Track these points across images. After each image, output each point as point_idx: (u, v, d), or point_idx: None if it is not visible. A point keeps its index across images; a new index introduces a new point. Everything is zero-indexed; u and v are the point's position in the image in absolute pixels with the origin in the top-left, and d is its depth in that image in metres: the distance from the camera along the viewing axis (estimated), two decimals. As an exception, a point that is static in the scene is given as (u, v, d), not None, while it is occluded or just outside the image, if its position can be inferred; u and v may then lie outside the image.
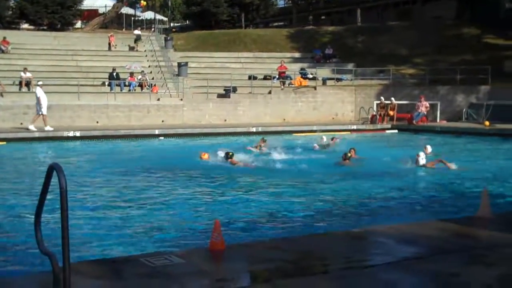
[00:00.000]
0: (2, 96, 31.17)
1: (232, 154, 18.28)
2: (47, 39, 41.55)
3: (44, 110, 27.58)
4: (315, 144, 22.78)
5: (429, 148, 20.31)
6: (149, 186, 14.67)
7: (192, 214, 11.29)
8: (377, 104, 34.85)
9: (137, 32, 43.98)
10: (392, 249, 6.98)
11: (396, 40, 43.43)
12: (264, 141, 22.59)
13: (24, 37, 41.80)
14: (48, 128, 27.29)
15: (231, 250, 6.90)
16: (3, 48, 36.93)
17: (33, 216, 5.83)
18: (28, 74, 32.81)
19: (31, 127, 27.27)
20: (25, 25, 53.20)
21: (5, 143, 24.96)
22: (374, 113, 34.44)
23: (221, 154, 18.72)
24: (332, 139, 24.24)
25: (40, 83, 28.93)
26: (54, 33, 44.57)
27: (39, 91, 27.81)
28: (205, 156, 18.91)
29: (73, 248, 6.00)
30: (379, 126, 33.45)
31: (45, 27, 49.86)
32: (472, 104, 35.05)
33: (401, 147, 24.20)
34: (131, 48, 41.70)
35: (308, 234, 9.09)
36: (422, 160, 17.57)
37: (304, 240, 7.81)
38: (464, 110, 34.96)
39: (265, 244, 7.51)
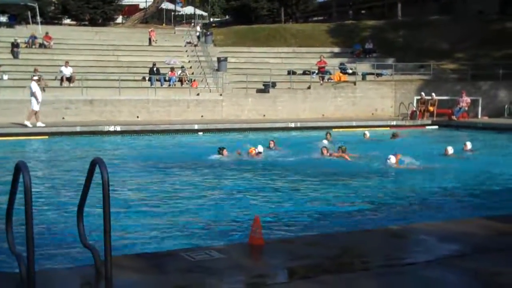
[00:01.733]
0: (44, 91, 31.58)
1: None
2: (89, 34, 42.02)
3: (36, 106, 27.07)
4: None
5: (468, 145, 20.07)
6: (189, 181, 14.75)
7: (232, 210, 11.33)
8: (417, 100, 34.51)
9: (198, 29, 43.50)
10: (433, 246, 6.91)
11: (438, 34, 42.87)
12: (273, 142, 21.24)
13: (66, 32, 42.32)
14: (39, 124, 26.74)
15: (271, 246, 6.90)
16: (45, 43, 37.46)
17: (75, 210, 5.92)
18: (69, 69, 33.21)
19: (27, 123, 26.75)
20: (67, 21, 53.89)
21: (47, 137, 25.37)
22: (414, 108, 34.12)
23: (260, 149, 18.80)
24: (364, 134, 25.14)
25: (35, 77, 28.44)
26: (95, 28, 45.11)
27: (34, 86, 27.29)
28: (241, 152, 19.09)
29: (115, 242, 6.07)
30: (419, 122, 33.12)
31: (86, 22, 50.48)
32: (514, 99, 34.54)
33: (441, 143, 23.88)
34: (190, 44, 41.33)
35: (348, 230, 9.06)
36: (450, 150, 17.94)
37: (344, 236, 7.78)
38: (506, 106, 34.41)
39: (304, 240, 7.50)
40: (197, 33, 43.35)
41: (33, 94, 27.09)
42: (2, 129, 25.81)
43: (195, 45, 40.68)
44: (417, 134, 28.96)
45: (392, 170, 16.30)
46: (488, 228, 7.75)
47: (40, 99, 27.17)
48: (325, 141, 21.75)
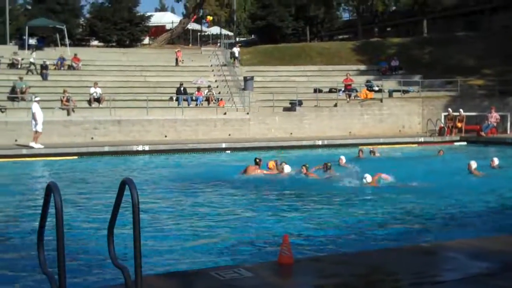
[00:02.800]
0: (73, 111, 32.00)
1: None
2: (116, 55, 42.46)
3: (38, 127, 26.81)
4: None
5: (496, 161, 19.88)
6: (217, 199, 14.79)
7: (261, 228, 11.34)
8: (445, 116, 34.32)
9: (235, 49, 43.40)
10: (463, 264, 6.85)
11: (464, 50, 42.67)
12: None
13: (94, 54, 42.84)
14: (38, 146, 26.38)
15: (300, 264, 6.90)
16: (74, 65, 37.92)
17: (106, 230, 5.97)
18: (99, 89, 33.57)
19: (32, 144, 26.47)
20: (95, 42, 54.53)
21: (77, 157, 25.62)
22: (442, 125, 33.92)
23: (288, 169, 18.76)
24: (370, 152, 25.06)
25: (37, 99, 28.07)
26: (122, 50, 45.58)
27: (34, 107, 27.06)
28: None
29: (145, 261, 6.12)
30: (447, 138, 32.90)
31: (114, 44, 51.02)
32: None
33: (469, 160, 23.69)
34: (227, 65, 41.44)
35: (377, 248, 9.01)
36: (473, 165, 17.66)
37: (373, 254, 7.74)
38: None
39: (334, 258, 7.49)
40: (236, 53, 43.44)
41: (33, 116, 26.92)
42: (32, 149, 26.08)
43: (232, 64, 41.41)
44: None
45: (416, 188, 16.19)
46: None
47: (39, 121, 26.78)
48: (343, 157, 21.52)
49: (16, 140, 27.63)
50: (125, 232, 8.93)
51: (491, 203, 14.25)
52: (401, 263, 6.91)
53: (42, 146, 26.45)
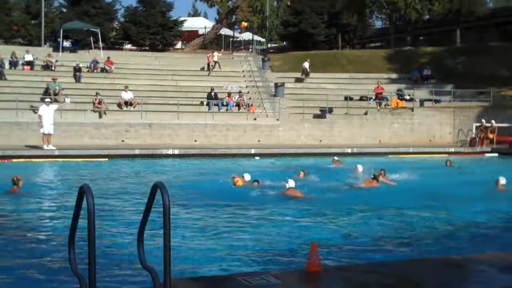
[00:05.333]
0: (105, 114, 32.30)
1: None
2: (149, 59, 42.78)
3: (45, 129, 26.68)
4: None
5: None
6: (245, 205, 14.81)
7: (290, 236, 11.36)
8: (477, 127, 34.01)
9: (306, 64, 41.96)
10: (491, 278, 6.79)
11: (497, 61, 42.25)
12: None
13: (127, 57, 43.20)
14: (50, 147, 26.55)
15: (328, 273, 6.90)
16: (107, 68, 38.28)
17: (136, 233, 6.04)
18: (130, 93, 33.84)
19: (45, 146, 26.61)
20: (128, 46, 54.95)
21: (107, 159, 25.85)
22: (473, 135, 33.62)
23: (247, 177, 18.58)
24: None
25: (47, 100, 28.20)
26: (155, 54, 45.88)
27: (41, 109, 27.11)
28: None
29: (173, 265, 6.17)
30: (478, 149, 32.60)
31: (147, 48, 51.37)
32: None
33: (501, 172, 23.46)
34: (300, 80, 41.60)
35: (406, 259, 8.98)
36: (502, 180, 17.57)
37: (401, 264, 7.71)
38: None
39: (362, 268, 7.48)
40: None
41: (39, 118, 26.94)
42: (64, 151, 26.41)
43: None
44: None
45: (447, 195, 16.09)
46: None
47: (45, 122, 26.65)
48: (360, 166, 21.40)
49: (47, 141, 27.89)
50: (156, 235, 9.02)
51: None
52: (429, 275, 6.87)
53: (54, 148, 26.62)
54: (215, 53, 43.32)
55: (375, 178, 18.26)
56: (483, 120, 33.88)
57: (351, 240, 11.06)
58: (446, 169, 23.87)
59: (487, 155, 31.88)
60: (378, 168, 19.62)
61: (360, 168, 20.98)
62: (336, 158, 25.35)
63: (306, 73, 41.39)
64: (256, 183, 17.88)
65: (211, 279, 6.71)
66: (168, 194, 5.26)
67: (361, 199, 16.03)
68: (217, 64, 41.34)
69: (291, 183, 16.29)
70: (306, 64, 41.58)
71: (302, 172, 19.77)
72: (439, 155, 29.66)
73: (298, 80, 41.36)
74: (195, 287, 6.14)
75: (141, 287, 6.45)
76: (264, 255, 9.80)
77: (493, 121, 33.54)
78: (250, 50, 50.55)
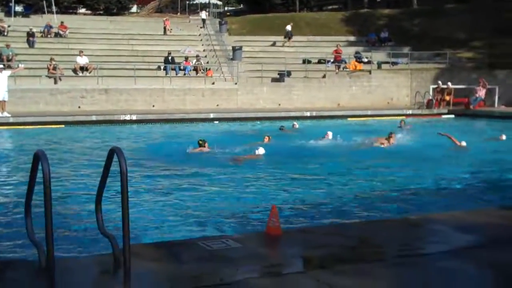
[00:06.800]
0: (60, 79, 31.76)
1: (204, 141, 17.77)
2: (103, 24, 42.14)
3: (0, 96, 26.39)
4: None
5: (504, 137, 20.12)
6: (205, 170, 14.74)
7: (249, 199, 11.35)
8: (434, 89, 34.35)
9: (289, 27, 42.14)
10: (450, 237, 6.86)
11: (454, 23, 42.56)
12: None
13: (81, 22, 42.50)
14: (4, 114, 26.23)
15: (288, 235, 6.90)
16: (61, 32, 37.57)
17: (94, 199, 5.95)
18: (85, 58, 33.29)
19: (0, 113, 26.20)
20: (82, 10, 54.01)
21: (63, 126, 25.48)
22: (430, 97, 33.97)
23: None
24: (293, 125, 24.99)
25: (0, 66, 27.54)
26: (110, 18, 45.23)
27: None
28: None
29: (132, 231, 6.10)
30: (435, 111, 32.98)
31: (101, 12, 50.54)
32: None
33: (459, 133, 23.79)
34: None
35: (365, 220, 9.05)
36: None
37: (361, 226, 7.77)
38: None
39: (322, 230, 7.50)
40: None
41: None
42: (18, 118, 25.93)
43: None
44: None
45: (405, 155, 16.28)
46: (506, 218, 7.71)
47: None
48: (330, 133, 21.51)
49: (2, 109, 27.35)
50: (114, 201, 8.93)
51: (482, 176, 14.32)
52: (388, 235, 6.92)
53: (9, 115, 26.20)
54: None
55: (390, 137, 18.70)
56: (440, 82, 34.21)
57: (311, 203, 11.08)
58: (402, 130, 24.06)
59: (444, 116, 32.27)
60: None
61: (330, 134, 21.02)
62: (295, 123, 25.38)
63: (289, 36, 41.24)
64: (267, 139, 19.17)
65: (171, 244, 6.66)
66: (125, 159, 5.17)
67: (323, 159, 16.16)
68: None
69: (260, 150, 16.48)
70: (289, 27, 41.54)
71: (267, 138, 19.68)
72: (397, 117, 29.87)
73: (280, 42, 41.40)
74: (154, 252, 6.08)
75: (100, 254, 6.35)
76: (224, 219, 9.78)
77: (449, 83, 33.90)
78: (207, 13, 49.95)
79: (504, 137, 20.16)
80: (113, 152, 5.39)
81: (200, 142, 17.62)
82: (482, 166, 15.58)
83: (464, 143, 18.29)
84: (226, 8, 65.60)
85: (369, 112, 31.79)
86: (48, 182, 4.97)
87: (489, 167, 15.37)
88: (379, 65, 37.78)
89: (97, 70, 32.36)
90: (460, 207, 10.33)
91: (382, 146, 18.32)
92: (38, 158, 5.23)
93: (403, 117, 27.79)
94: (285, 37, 41.36)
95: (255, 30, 43.95)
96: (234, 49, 37.38)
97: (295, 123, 25.36)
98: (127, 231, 5.25)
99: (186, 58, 35.75)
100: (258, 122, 28.35)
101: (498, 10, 42.75)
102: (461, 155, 17.19)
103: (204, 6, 61.27)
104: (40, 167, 5.15)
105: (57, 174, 13.15)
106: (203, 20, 43.45)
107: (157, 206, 10.73)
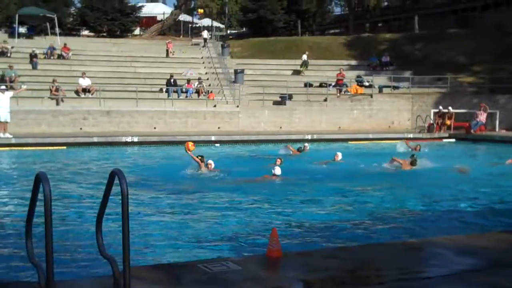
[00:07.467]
0: (63, 101, 31.86)
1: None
2: (106, 46, 42.32)
3: (1, 117, 26.31)
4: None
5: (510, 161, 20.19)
6: (206, 192, 14.74)
7: (250, 222, 11.34)
8: (435, 113, 34.41)
9: (305, 56, 41.86)
10: (449, 261, 6.85)
11: (455, 47, 42.80)
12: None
13: (84, 44, 42.66)
14: (6, 135, 26.16)
15: (288, 258, 6.90)
16: (64, 54, 37.76)
17: (94, 221, 5.95)
18: (87, 80, 33.42)
19: (1, 134, 26.10)
20: (85, 32, 54.25)
21: (65, 147, 25.52)
22: (431, 121, 34.03)
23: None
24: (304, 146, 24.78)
25: (2, 87, 27.57)
26: (113, 40, 45.39)
27: None
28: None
29: (133, 253, 6.11)
30: (436, 135, 33.00)
31: (104, 34, 50.76)
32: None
33: (459, 158, 23.77)
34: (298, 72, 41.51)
35: (365, 244, 9.03)
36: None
37: (361, 249, 7.75)
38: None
39: (322, 253, 7.50)
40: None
41: None
42: (20, 139, 25.98)
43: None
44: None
45: (408, 180, 16.28)
46: (505, 242, 7.71)
47: (1, 110, 26.21)
48: (339, 154, 21.43)
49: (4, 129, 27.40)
50: (115, 223, 8.93)
51: (482, 200, 14.30)
52: (388, 259, 6.92)
53: (10, 136, 26.21)
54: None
55: (412, 162, 18.75)
56: (441, 107, 34.28)
57: (312, 226, 11.07)
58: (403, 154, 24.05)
59: (445, 140, 32.30)
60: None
61: (339, 155, 21.01)
62: (306, 144, 25.32)
63: (306, 65, 41.29)
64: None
65: (171, 266, 6.66)
66: (126, 181, 5.19)
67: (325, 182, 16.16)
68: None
69: (277, 171, 16.61)
70: (305, 56, 41.54)
71: (279, 160, 19.47)
72: (398, 141, 29.87)
73: (296, 72, 41.34)
74: (154, 274, 6.08)
75: (100, 276, 6.35)
76: (224, 242, 9.77)
77: (450, 107, 33.97)
78: (209, 36, 50.27)
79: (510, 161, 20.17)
80: (114, 174, 5.41)
81: (200, 157, 17.69)
82: (480, 189, 15.58)
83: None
84: (228, 31, 65.92)
85: (370, 136, 31.81)
86: (49, 204, 4.99)
87: (487, 191, 15.39)
88: (380, 89, 37.90)
89: (99, 92, 32.49)
90: (463, 231, 10.31)
91: (405, 169, 18.39)
92: (39, 179, 5.25)
93: (418, 142, 27.42)
94: (301, 66, 41.38)
95: (257, 53, 44.15)
96: (236, 72, 37.51)
97: (306, 144, 25.31)
98: (127, 253, 5.25)
99: (188, 81, 35.87)
100: (256, 145, 28.35)
101: (499, 34, 42.96)
102: (463, 179, 17.18)
103: (206, 29, 61.63)
104: (41, 188, 5.16)
105: (58, 196, 13.16)
106: (205, 40, 43.80)
107: (158, 228, 10.73)
